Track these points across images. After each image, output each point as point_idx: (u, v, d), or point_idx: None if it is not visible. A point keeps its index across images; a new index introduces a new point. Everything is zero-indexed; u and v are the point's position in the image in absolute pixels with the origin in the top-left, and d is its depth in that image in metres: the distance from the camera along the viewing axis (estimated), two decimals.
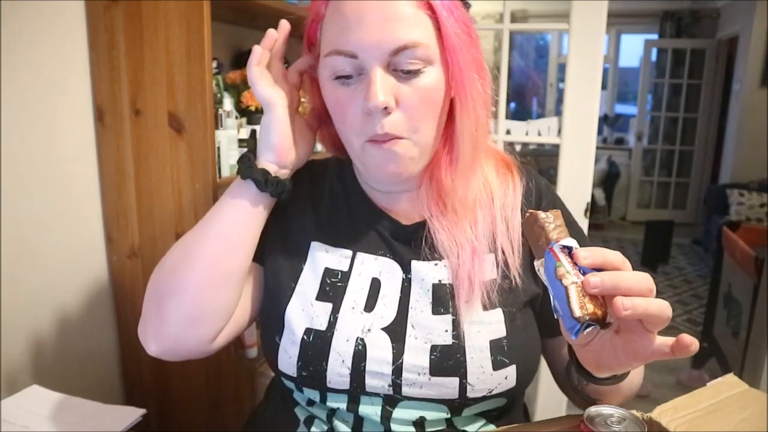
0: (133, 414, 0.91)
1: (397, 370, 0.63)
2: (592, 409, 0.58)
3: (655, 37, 5.24)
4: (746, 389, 0.69)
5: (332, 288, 0.67)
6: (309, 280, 0.68)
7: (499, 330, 0.64)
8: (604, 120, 5.74)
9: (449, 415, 0.65)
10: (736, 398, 0.67)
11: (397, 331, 0.65)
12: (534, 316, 0.70)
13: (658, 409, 0.64)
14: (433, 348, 0.63)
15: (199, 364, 1.35)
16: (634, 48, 5.64)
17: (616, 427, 0.56)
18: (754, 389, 0.68)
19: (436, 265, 0.67)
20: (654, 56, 5.23)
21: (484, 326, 0.64)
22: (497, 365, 0.63)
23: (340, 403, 0.66)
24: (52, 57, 1.16)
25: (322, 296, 0.67)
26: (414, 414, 0.65)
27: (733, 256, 2.34)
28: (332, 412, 0.68)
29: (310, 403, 0.69)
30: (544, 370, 1.57)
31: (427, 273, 0.67)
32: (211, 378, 1.35)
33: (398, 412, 0.65)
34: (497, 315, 0.65)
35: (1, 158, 1.07)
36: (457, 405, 0.64)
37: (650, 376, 2.47)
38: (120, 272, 1.33)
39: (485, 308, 0.65)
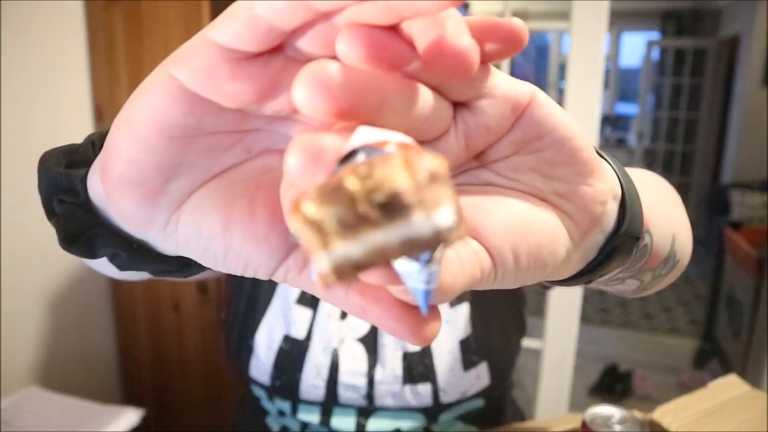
0: (132, 415, 0.90)
1: (371, 381, 0.62)
2: (593, 410, 0.58)
3: (656, 36, 5.23)
4: (748, 390, 0.68)
5: None
6: None
7: (466, 328, 0.63)
8: (605, 120, 5.74)
9: (425, 424, 0.64)
10: (738, 399, 0.66)
11: (370, 341, 0.64)
12: (509, 300, 0.67)
13: (659, 410, 0.64)
14: (405, 355, 0.62)
15: (199, 365, 1.34)
16: (635, 47, 5.63)
17: (616, 427, 0.55)
18: (756, 390, 0.68)
19: None
20: (655, 56, 5.22)
21: (452, 326, 0.63)
22: (468, 365, 0.62)
23: (312, 416, 0.64)
24: (52, 57, 1.16)
25: (303, 299, 0.65)
26: (389, 425, 0.64)
27: (735, 257, 2.34)
28: (305, 426, 0.66)
29: (281, 414, 0.67)
30: (544, 369, 1.56)
31: None
32: (210, 379, 1.34)
33: (373, 424, 0.64)
34: (463, 311, 0.64)
35: (1, 158, 1.07)
36: (432, 412, 0.63)
37: (651, 377, 2.46)
38: None
39: (451, 304, 0.64)
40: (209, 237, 0.22)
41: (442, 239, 0.14)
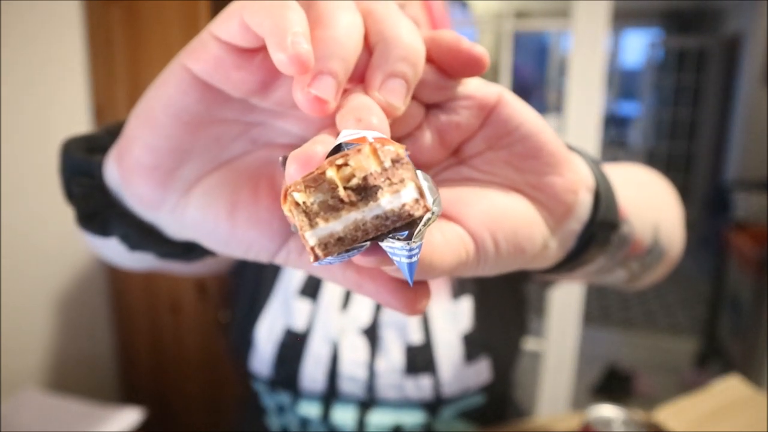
0: (132, 415, 0.90)
1: (372, 373, 0.62)
2: (594, 410, 0.58)
3: (658, 35, 5.23)
4: (749, 390, 0.68)
5: (315, 280, 0.66)
6: (295, 271, 0.66)
7: (469, 322, 0.63)
8: (606, 119, 5.74)
9: (426, 420, 0.64)
10: (740, 399, 0.66)
11: (372, 332, 0.64)
12: (512, 298, 0.68)
13: (660, 411, 0.63)
14: (406, 347, 0.63)
15: (198, 365, 1.34)
16: (636, 47, 5.63)
17: (618, 428, 0.55)
18: (757, 390, 0.68)
19: None
20: (657, 55, 5.22)
21: (454, 318, 0.63)
22: (470, 360, 0.62)
23: (312, 409, 0.65)
24: (50, 56, 1.16)
25: (304, 291, 0.66)
26: (389, 420, 0.64)
27: (737, 256, 2.33)
28: (305, 423, 0.66)
29: (281, 409, 0.67)
30: (545, 369, 1.56)
31: None
32: (210, 379, 1.34)
33: (373, 418, 0.64)
34: (467, 304, 0.64)
35: (1, 158, 1.07)
36: (433, 406, 0.63)
37: (653, 377, 2.46)
38: (117, 274, 1.32)
39: (455, 296, 0.64)
40: (215, 220, 0.24)
41: (409, 213, 0.17)
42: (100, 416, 0.90)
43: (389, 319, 0.64)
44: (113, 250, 0.38)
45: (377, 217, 0.17)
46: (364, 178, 0.17)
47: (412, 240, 0.18)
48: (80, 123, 1.24)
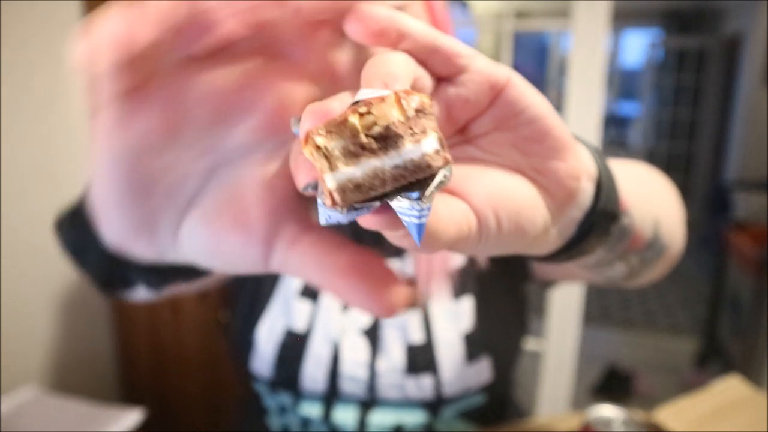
0: (132, 415, 0.90)
1: (373, 373, 0.62)
2: (594, 410, 0.58)
3: (658, 35, 5.23)
4: (749, 390, 0.68)
5: None
6: None
7: (470, 321, 0.64)
8: (606, 119, 5.73)
9: (427, 420, 0.64)
10: (739, 399, 0.66)
11: (372, 332, 0.64)
12: (513, 298, 0.68)
13: (660, 411, 0.63)
14: (407, 347, 0.63)
15: (198, 364, 1.34)
16: (636, 47, 5.63)
17: (618, 428, 0.55)
18: (757, 390, 0.68)
19: (402, 260, 0.65)
20: (657, 55, 5.22)
21: (455, 318, 0.64)
22: (471, 359, 0.62)
23: (314, 409, 0.65)
24: (50, 56, 1.16)
25: (306, 290, 0.66)
26: (390, 419, 0.64)
27: (737, 256, 2.34)
28: (306, 423, 0.66)
29: (282, 410, 0.68)
30: (545, 369, 1.56)
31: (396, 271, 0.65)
32: (210, 379, 1.34)
33: (375, 418, 0.64)
34: (468, 304, 0.64)
35: (1, 160, 1.07)
36: (434, 406, 0.63)
37: (653, 377, 2.46)
38: None
39: (456, 295, 0.64)
40: (206, 250, 0.25)
41: (429, 164, 0.17)
42: (100, 416, 0.89)
43: (389, 320, 0.64)
44: (141, 294, 0.41)
45: (397, 166, 0.17)
46: (386, 127, 0.17)
47: (423, 200, 0.18)
48: (81, 124, 1.24)
